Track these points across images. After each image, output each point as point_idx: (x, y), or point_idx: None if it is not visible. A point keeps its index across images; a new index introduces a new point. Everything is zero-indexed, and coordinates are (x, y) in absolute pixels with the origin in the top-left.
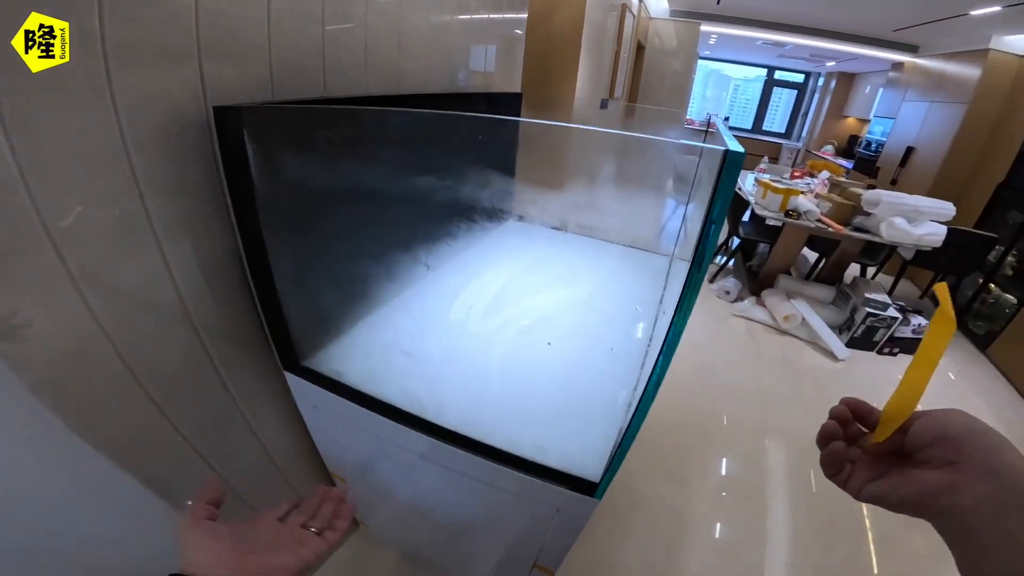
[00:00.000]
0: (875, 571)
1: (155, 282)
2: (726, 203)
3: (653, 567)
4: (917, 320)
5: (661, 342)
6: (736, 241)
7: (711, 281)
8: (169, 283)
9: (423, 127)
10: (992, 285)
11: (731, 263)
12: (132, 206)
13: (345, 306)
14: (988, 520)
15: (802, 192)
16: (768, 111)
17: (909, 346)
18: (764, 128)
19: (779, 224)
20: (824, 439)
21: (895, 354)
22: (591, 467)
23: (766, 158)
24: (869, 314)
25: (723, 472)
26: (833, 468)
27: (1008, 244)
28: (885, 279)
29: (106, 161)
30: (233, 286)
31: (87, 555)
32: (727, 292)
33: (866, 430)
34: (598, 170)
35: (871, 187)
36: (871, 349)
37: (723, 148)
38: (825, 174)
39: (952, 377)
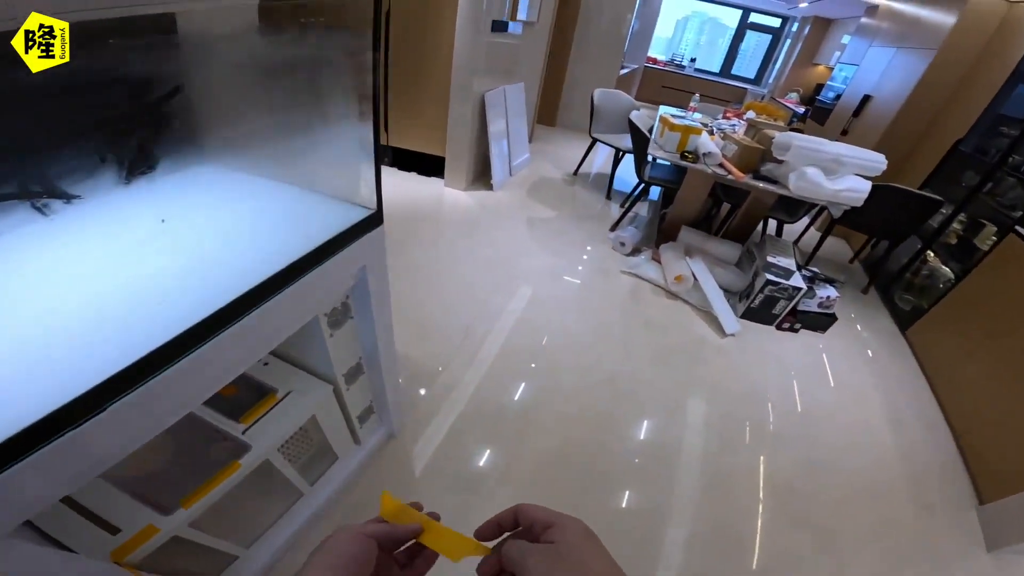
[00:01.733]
0: None
1: None
2: None
3: None
4: (826, 292)
5: None
6: (641, 186)
7: (612, 230)
8: None
9: None
10: (930, 253)
11: (642, 211)
12: None
13: None
14: None
15: (707, 131)
16: (740, 55)
17: (814, 322)
18: (733, 72)
19: (685, 167)
20: None
21: (796, 330)
22: None
23: (698, 94)
24: (768, 282)
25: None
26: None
27: (956, 207)
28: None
29: None
30: None
31: None
32: (622, 244)
33: None
34: None
35: (797, 131)
36: (770, 323)
37: None
38: (750, 114)
39: (871, 355)
